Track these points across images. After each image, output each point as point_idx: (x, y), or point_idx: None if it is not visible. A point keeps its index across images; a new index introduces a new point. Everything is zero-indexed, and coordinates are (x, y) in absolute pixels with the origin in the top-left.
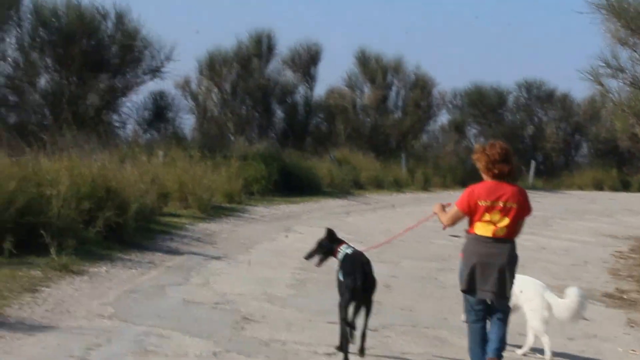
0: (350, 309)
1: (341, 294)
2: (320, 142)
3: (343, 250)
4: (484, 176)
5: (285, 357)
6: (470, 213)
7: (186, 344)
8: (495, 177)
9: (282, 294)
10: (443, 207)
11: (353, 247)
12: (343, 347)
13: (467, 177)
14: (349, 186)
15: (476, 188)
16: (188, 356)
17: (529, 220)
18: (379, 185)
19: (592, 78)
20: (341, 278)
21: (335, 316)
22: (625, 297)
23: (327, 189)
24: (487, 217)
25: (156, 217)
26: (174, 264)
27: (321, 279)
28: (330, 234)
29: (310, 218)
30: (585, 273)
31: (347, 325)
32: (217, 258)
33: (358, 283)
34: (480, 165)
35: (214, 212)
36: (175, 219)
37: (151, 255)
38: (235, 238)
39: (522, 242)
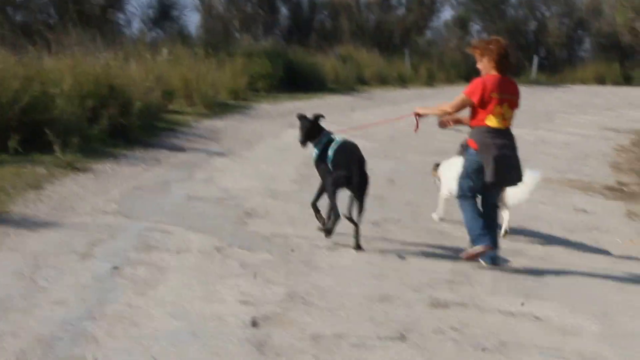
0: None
1: (328, 182)
2: (324, 39)
3: (328, 137)
4: (490, 70)
5: (287, 251)
6: (482, 104)
7: (189, 239)
8: (502, 71)
9: (286, 189)
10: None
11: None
12: (329, 229)
13: (471, 72)
14: (353, 82)
15: (487, 81)
16: (191, 251)
17: (531, 115)
18: (383, 81)
19: None
20: (330, 167)
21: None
22: (625, 189)
23: (332, 86)
24: (498, 109)
25: (161, 114)
26: (178, 161)
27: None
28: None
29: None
30: (585, 166)
31: (348, 219)
32: (221, 154)
33: (355, 180)
34: (486, 59)
35: (218, 109)
36: (180, 117)
37: (155, 152)
38: (239, 134)
39: (524, 135)
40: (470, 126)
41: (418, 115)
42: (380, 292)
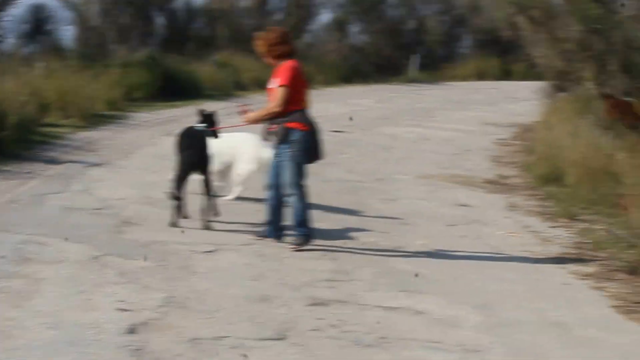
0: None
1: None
2: (202, 46)
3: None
4: (281, 58)
5: (165, 257)
6: (297, 89)
7: (66, 250)
8: (292, 55)
9: (164, 197)
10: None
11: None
12: (173, 219)
13: (350, 73)
14: (230, 88)
15: (294, 66)
16: (68, 261)
17: (412, 113)
18: (261, 85)
19: None
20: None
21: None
22: (506, 182)
23: (209, 92)
24: (305, 91)
25: (36, 127)
26: (53, 173)
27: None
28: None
29: (192, 121)
30: (467, 161)
31: (174, 199)
32: (98, 165)
33: (194, 158)
34: (273, 48)
35: (95, 120)
36: (56, 129)
37: (30, 165)
38: (116, 144)
39: (405, 134)
40: (288, 111)
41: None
42: (259, 293)
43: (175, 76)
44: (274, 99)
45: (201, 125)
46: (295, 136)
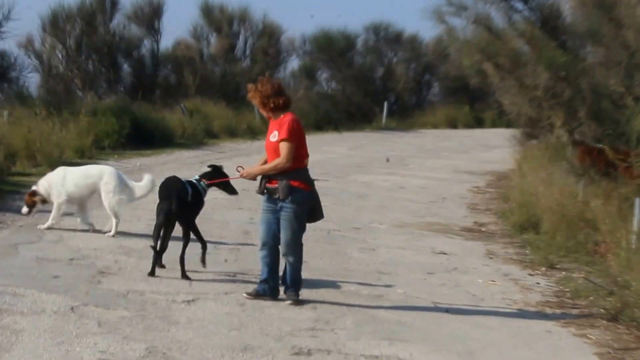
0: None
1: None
2: (170, 94)
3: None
4: (278, 111)
5: (144, 307)
6: (300, 145)
7: (42, 301)
8: (288, 107)
9: (138, 245)
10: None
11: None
12: (152, 269)
13: (321, 121)
14: (202, 136)
15: (295, 120)
16: (45, 312)
17: (385, 160)
18: (232, 133)
19: (436, 17)
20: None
21: (194, 265)
22: (483, 229)
23: (180, 140)
24: (305, 148)
25: (5, 177)
26: (25, 223)
27: (179, 229)
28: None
29: (163, 169)
30: (443, 209)
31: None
32: (70, 214)
33: (173, 207)
34: (269, 100)
35: None
36: (25, 178)
37: (1, 215)
38: None
39: (380, 182)
40: (292, 169)
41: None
42: (241, 343)
43: (145, 124)
44: (281, 154)
45: (197, 177)
46: (300, 195)
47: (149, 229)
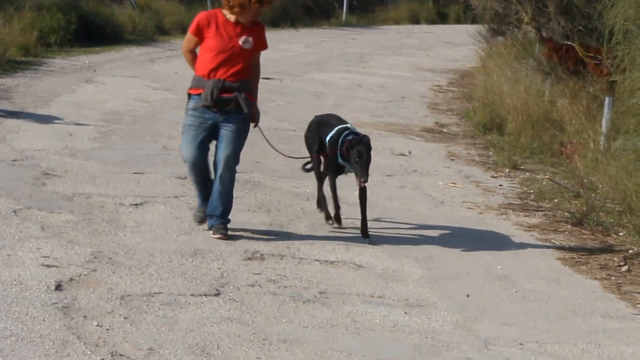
0: None
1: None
2: None
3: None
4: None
5: (90, 210)
6: None
7: None
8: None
9: (85, 147)
10: None
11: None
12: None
13: (277, 17)
14: (152, 32)
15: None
16: None
17: (343, 58)
18: (184, 30)
19: None
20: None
21: (141, 166)
22: (445, 130)
23: (130, 37)
24: None
25: None
26: None
27: (127, 129)
28: None
29: (112, 67)
30: (403, 108)
31: None
32: (14, 114)
33: None
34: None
35: (8, 66)
36: None
37: None
38: (33, 92)
39: (337, 80)
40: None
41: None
42: (191, 247)
43: (93, 20)
44: (257, 65)
45: None
46: (248, 109)
47: (98, 129)
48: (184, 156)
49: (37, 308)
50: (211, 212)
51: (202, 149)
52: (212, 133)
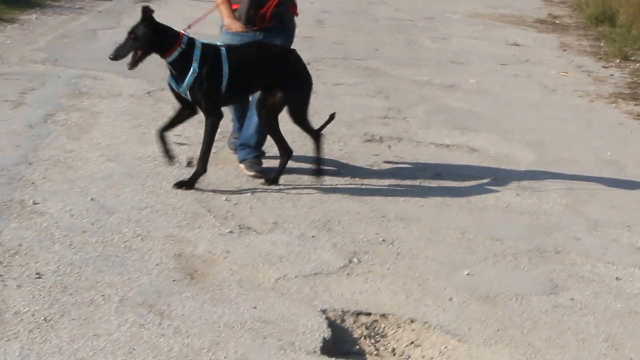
0: None
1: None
2: None
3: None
4: None
5: None
6: None
7: (120, 84)
8: None
9: None
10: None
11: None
12: None
13: None
14: None
15: None
16: (122, 95)
17: None
18: None
19: None
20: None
21: None
22: (557, 22)
23: None
24: None
25: None
26: (104, 9)
27: None
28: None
29: None
30: (517, 0)
31: None
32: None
33: None
34: None
35: None
36: None
37: (81, 1)
38: None
39: None
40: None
41: None
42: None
43: None
44: None
45: None
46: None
47: None
48: None
49: (171, 182)
50: (245, 142)
51: None
52: None
